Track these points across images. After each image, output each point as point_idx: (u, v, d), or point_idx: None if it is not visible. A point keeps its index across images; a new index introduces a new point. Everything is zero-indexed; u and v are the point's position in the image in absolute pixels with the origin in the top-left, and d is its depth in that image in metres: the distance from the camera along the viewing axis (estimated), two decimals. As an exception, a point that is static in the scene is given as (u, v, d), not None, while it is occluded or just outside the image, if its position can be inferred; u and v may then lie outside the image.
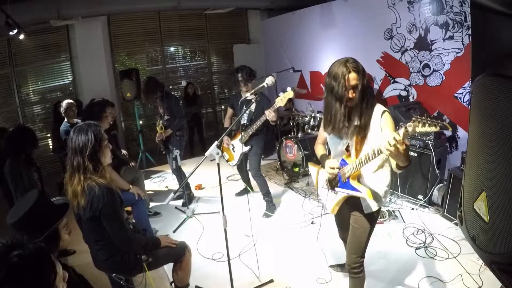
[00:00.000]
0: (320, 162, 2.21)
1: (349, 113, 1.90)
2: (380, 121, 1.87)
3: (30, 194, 1.68)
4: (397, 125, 3.93)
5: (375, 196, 1.97)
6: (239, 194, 4.52)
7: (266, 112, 3.39)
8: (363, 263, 2.16)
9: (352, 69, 1.80)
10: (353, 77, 1.80)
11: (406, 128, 1.56)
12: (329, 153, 2.23)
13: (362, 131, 1.89)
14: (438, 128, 1.47)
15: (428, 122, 1.48)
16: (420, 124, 1.50)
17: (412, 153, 3.79)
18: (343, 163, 2.00)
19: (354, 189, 1.95)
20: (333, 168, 1.99)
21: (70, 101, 4.36)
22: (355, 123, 1.89)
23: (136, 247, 2.08)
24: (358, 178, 1.98)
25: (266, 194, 3.98)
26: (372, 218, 2.08)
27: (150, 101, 4.27)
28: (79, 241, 2.11)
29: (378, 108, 1.91)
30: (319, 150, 2.27)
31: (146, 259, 2.12)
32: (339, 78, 1.81)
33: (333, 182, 2.10)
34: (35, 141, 3.15)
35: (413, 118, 1.52)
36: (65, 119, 4.29)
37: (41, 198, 1.63)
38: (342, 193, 2.05)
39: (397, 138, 1.55)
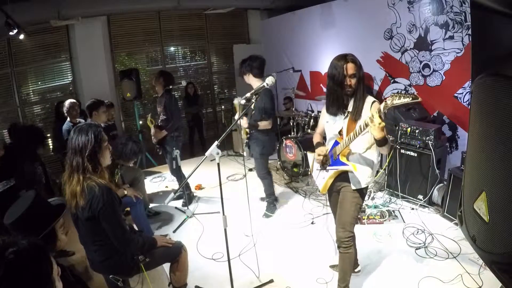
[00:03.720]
0: (315, 148, 2.45)
1: (345, 100, 2.19)
2: (370, 110, 2.08)
3: (27, 195, 1.68)
4: (397, 125, 3.96)
5: (363, 172, 2.24)
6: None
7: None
8: (352, 239, 2.31)
9: (350, 60, 2.10)
10: (350, 67, 2.09)
11: (385, 101, 1.82)
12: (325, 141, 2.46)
13: (354, 116, 2.15)
14: (411, 98, 1.73)
15: (403, 95, 1.76)
16: (396, 98, 1.77)
17: (412, 153, 3.79)
18: (336, 144, 2.27)
19: (342, 163, 2.22)
20: (320, 155, 2.31)
21: (73, 100, 4.37)
22: (349, 110, 2.19)
23: (134, 247, 2.07)
24: (348, 155, 2.25)
25: (269, 195, 3.95)
26: (360, 194, 2.30)
27: (159, 91, 4.20)
28: (77, 242, 2.11)
29: (369, 99, 2.19)
30: (316, 138, 2.50)
31: (144, 259, 2.12)
32: (339, 68, 2.10)
33: (326, 162, 2.36)
34: (44, 141, 3.22)
35: (391, 94, 1.79)
36: (68, 119, 4.29)
37: (37, 198, 1.63)
38: (332, 170, 2.31)
39: (376, 111, 1.82)
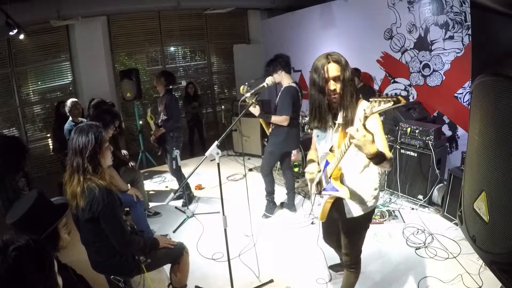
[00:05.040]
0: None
1: (334, 109, 1.85)
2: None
3: (29, 194, 1.69)
4: (397, 125, 3.96)
5: (359, 197, 1.91)
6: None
7: None
8: (360, 260, 2.18)
9: (332, 60, 1.75)
10: (332, 68, 1.74)
11: (364, 111, 1.47)
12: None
13: (346, 128, 1.72)
14: (392, 102, 1.38)
15: (383, 100, 1.40)
16: (376, 104, 1.42)
17: (412, 153, 3.79)
18: (327, 164, 1.89)
19: (334, 189, 1.83)
20: (311, 173, 1.98)
21: (74, 99, 4.41)
22: (340, 121, 1.81)
23: (134, 249, 2.07)
24: (341, 178, 1.87)
25: (268, 194, 3.93)
26: (359, 224, 1.99)
27: (160, 91, 4.24)
28: (79, 241, 2.11)
29: (362, 105, 1.79)
30: (310, 155, 2.19)
31: (145, 260, 2.12)
32: (319, 70, 1.76)
33: (319, 186, 1.99)
34: (25, 154, 3.03)
35: (370, 100, 1.45)
36: (70, 118, 4.31)
37: (40, 198, 1.63)
38: (326, 195, 1.92)
39: (359, 125, 1.49)
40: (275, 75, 3.52)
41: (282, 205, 4.11)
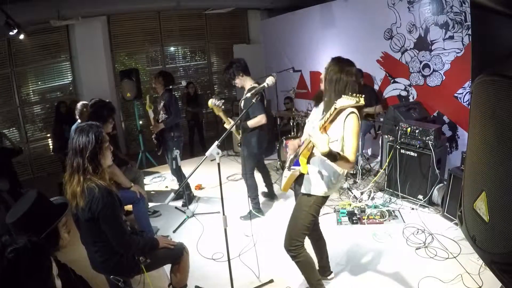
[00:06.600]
0: None
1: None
2: (344, 122, 2.00)
3: (29, 194, 1.68)
4: (397, 125, 3.96)
5: (318, 178, 2.12)
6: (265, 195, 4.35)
7: None
8: (300, 248, 2.21)
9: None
10: (323, 71, 2.19)
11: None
12: None
13: (326, 121, 1.98)
14: (354, 101, 1.73)
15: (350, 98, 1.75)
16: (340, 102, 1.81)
17: (412, 153, 3.79)
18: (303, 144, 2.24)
19: (297, 163, 2.17)
20: (292, 143, 2.34)
21: (84, 102, 4.38)
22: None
23: (134, 249, 2.07)
24: (309, 159, 2.15)
25: (252, 198, 3.83)
26: (314, 202, 2.17)
27: (159, 91, 4.29)
28: (78, 240, 2.11)
29: (350, 108, 1.97)
30: None
31: (144, 260, 2.11)
32: None
33: (291, 162, 2.33)
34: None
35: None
36: (78, 120, 4.28)
37: (40, 197, 1.63)
38: (292, 170, 2.29)
39: (317, 125, 1.87)
40: (237, 80, 3.57)
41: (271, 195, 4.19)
